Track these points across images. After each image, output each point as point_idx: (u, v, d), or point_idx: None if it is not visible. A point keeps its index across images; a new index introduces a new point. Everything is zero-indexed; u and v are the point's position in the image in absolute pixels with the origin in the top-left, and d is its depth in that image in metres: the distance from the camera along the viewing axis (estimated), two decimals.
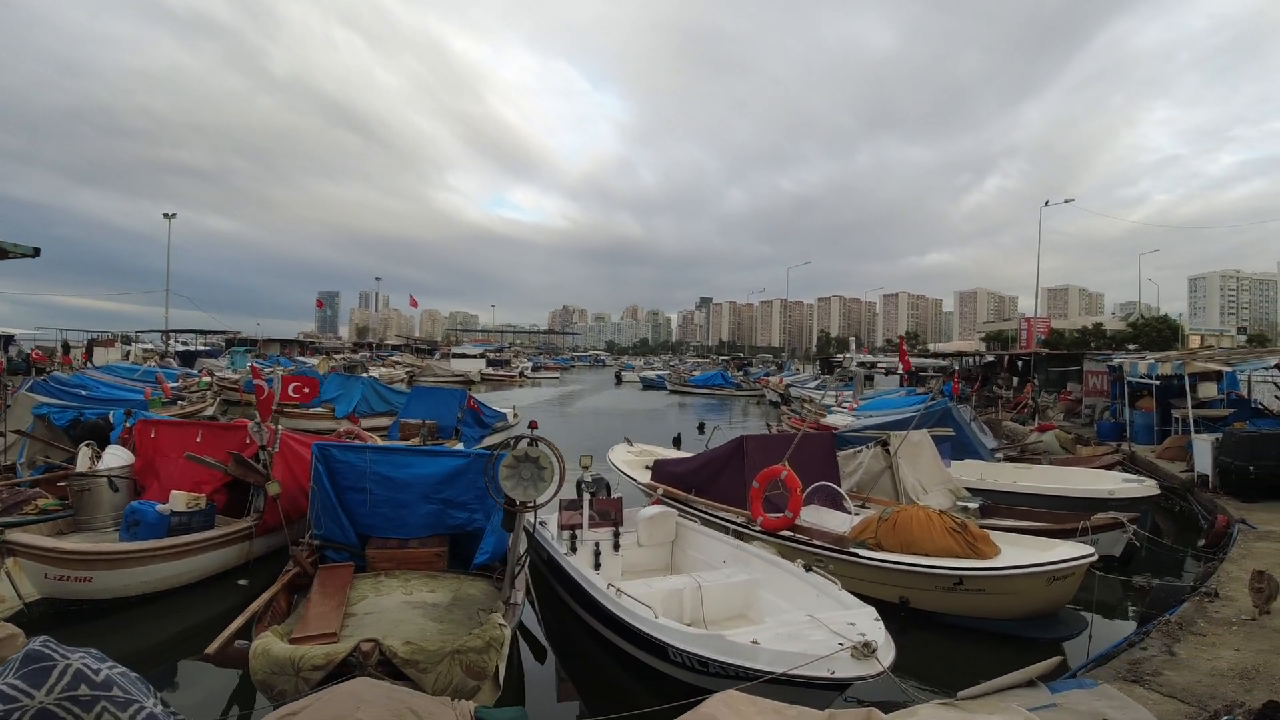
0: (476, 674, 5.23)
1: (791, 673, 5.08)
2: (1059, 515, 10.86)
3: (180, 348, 63.40)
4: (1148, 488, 12.24)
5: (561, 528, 8.41)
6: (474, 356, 75.59)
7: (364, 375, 32.85)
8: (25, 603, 8.10)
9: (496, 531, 8.11)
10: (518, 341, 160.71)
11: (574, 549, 8.28)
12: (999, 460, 16.54)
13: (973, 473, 14.43)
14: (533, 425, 6.97)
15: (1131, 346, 57.74)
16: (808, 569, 7.34)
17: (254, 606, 6.57)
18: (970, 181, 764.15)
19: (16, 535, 8.16)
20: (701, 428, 24.70)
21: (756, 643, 5.45)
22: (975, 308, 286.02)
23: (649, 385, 63.49)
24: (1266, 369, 20.28)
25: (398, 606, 6.94)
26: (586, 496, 8.46)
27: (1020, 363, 37.38)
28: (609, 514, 8.58)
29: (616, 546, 8.49)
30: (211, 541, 9.09)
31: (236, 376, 34.70)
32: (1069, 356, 33.50)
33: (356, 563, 8.22)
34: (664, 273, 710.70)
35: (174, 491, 9.56)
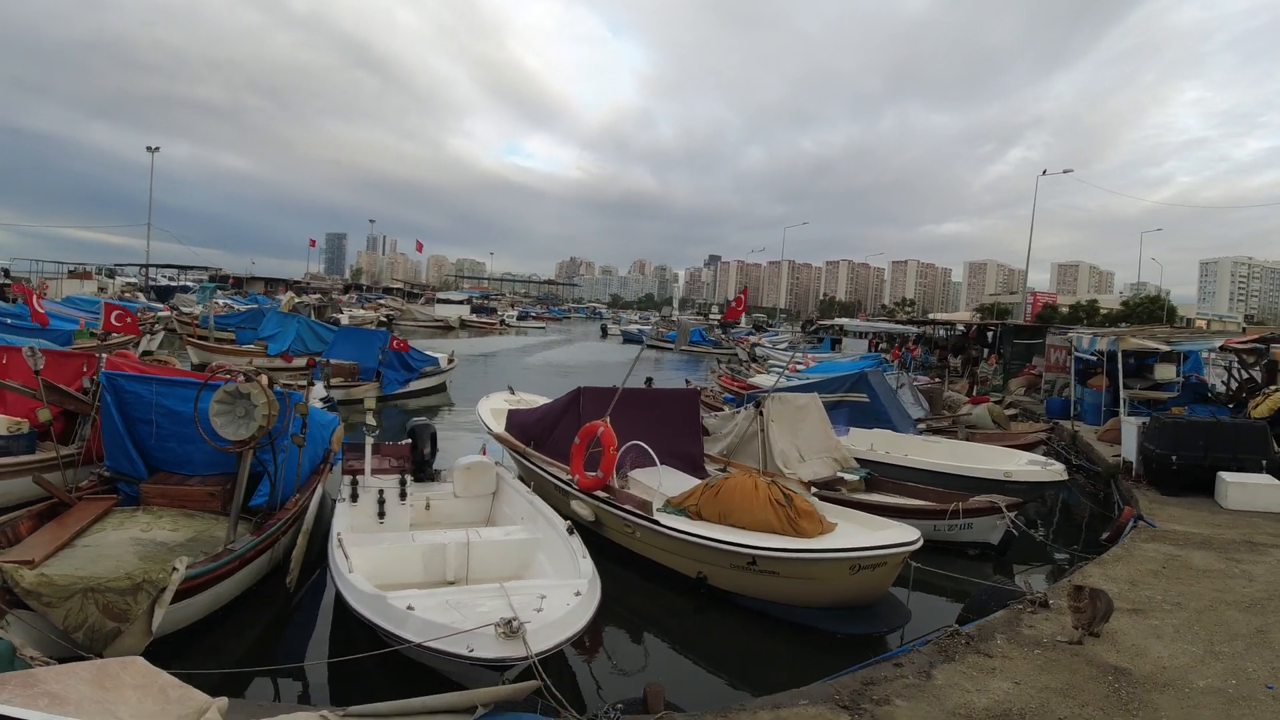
0: (116, 616, 5.02)
1: (428, 645, 4.76)
2: (943, 495, 10.51)
3: (165, 282, 63.34)
4: (1052, 472, 11.59)
5: (344, 473, 8.14)
6: (458, 303, 75.31)
7: (308, 315, 32.28)
8: None
9: (280, 473, 7.89)
10: (517, 290, 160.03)
11: (354, 496, 7.99)
12: (919, 432, 16.17)
13: (879, 442, 14.04)
14: (310, 363, 6.69)
15: (1122, 325, 56.97)
16: (570, 532, 7.09)
17: None
18: (993, 151, 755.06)
19: None
20: (649, 382, 24.40)
21: (412, 609, 5.10)
22: (984, 279, 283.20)
23: (629, 339, 63.24)
24: (1212, 350, 19.82)
25: (121, 542, 6.72)
26: (369, 440, 8.13)
27: (989, 334, 36.88)
28: (397, 460, 8.25)
29: (403, 495, 8.20)
30: (26, 465, 8.77)
31: (197, 312, 34.52)
32: (1034, 330, 32.97)
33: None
34: (676, 228, 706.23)
35: (38, 412, 9.36)
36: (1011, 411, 21.01)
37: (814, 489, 10.01)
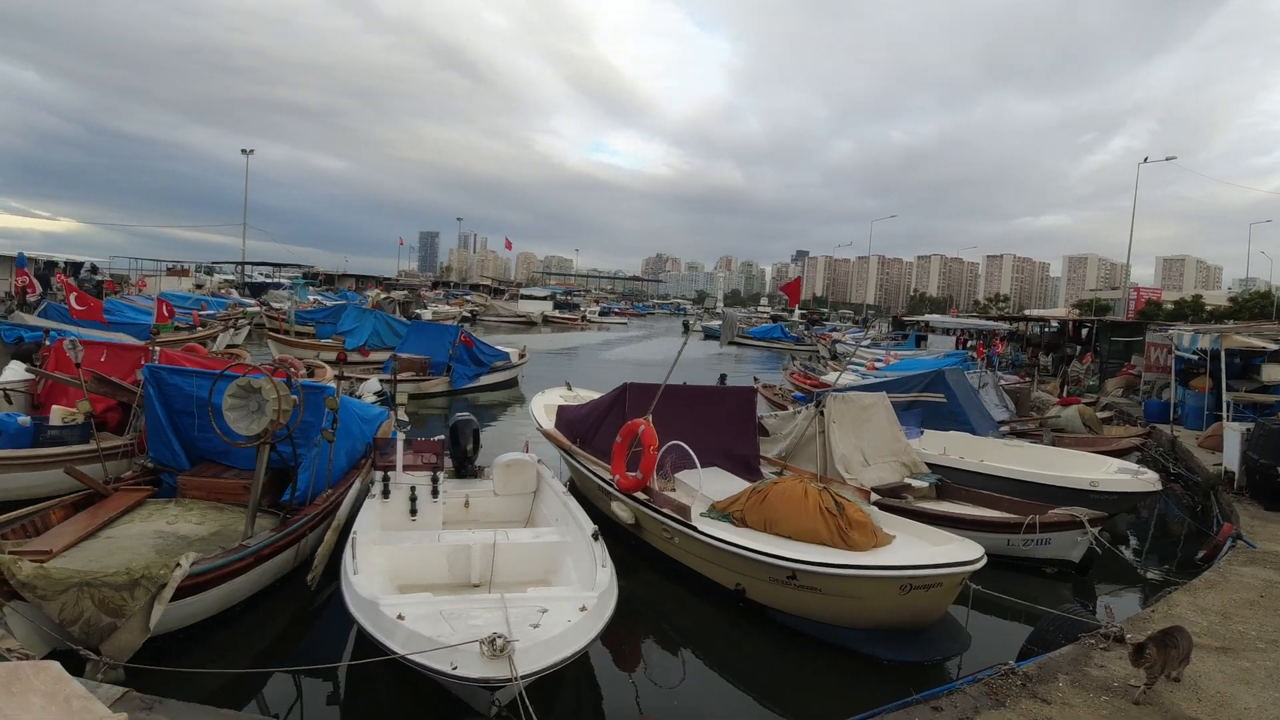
0: (112, 611, 4.93)
1: (411, 658, 4.47)
2: (1020, 505, 9.74)
3: (261, 279, 65.94)
4: (1143, 481, 10.59)
5: (375, 468, 7.99)
6: (541, 299, 76.00)
7: (385, 312, 32.82)
8: None
9: (309, 469, 7.82)
10: (602, 286, 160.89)
11: (385, 493, 7.84)
12: (1002, 434, 15.26)
13: (953, 446, 13.08)
14: (341, 357, 6.55)
15: (1228, 322, 53.51)
16: (595, 537, 6.72)
17: (10, 515, 6.49)
18: (1094, 141, 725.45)
19: None
20: (722, 379, 23.82)
21: (402, 618, 4.81)
22: (1084, 274, 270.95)
23: (709, 335, 62.78)
24: None
25: (143, 535, 6.70)
26: (400, 437, 7.96)
27: (1084, 331, 35.01)
28: (429, 457, 8.05)
29: (435, 492, 7.99)
30: (79, 455, 8.92)
31: (285, 308, 35.52)
32: (1133, 327, 31.10)
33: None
34: (762, 223, 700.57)
35: (54, 406, 9.64)
36: (1105, 414, 19.73)
37: (876, 496, 9.38)
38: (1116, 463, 11.92)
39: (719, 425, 10.49)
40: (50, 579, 4.83)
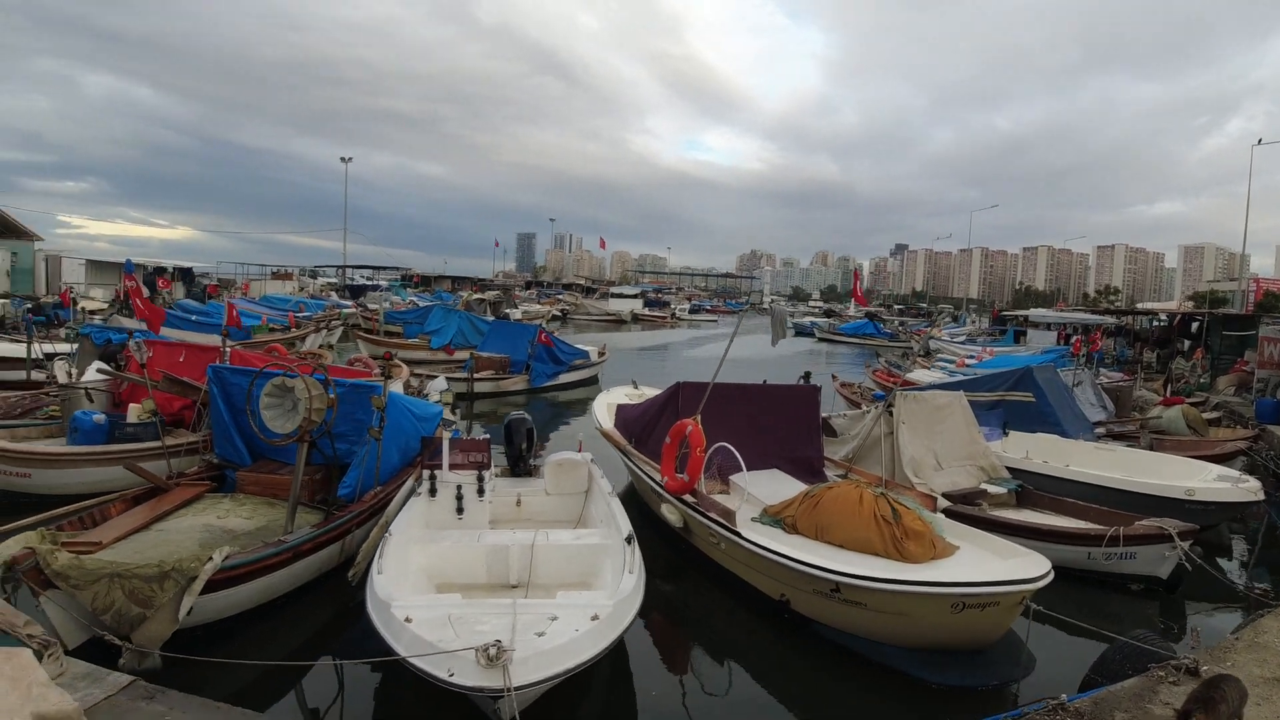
0: (141, 602, 5.10)
1: (411, 662, 4.42)
2: (1106, 515, 9.09)
3: (362, 281, 68.45)
4: (1244, 490, 9.74)
5: (421, 467, 8.06)
6: (631, 297, 76.23)
7: (465, 310, 33.49)
8: None
9: (360, 465, 7.96)
10: (696, 284, 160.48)
11: (433, 491, 7.89)
12: (1096, 437, 14.41)
13: (1038, 449, 12.34)
14: (386, 356, 6.67)
15: None
16: (629, 540, 6.55)
17: (71, 507, 6.81)
18: (1209, 124, 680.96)
19: None
20: (807, 377, 23.16)
21: (410, 620, 4.77)
22: (1200, 264, 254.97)
23: (801, 331, 61.90)
24: None
25: (191, 528, 6.93)
26: (446, 435, 8.00)
27: (1194, 325, 32.91)
28: (476, 456, 8.06)
29: (481, 491, 8.00)
30: (144, 451, 9.31)
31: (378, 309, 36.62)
32: (1247, 320, 29.05)
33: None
34: (858, 217, 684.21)
35: (131, 405, 10.12)
36: (1212, 415, 18.39)
37: (945, 503, 8.93)
38: (1217, 469, 10.99)
39: (780, 426, 10.21)
40: (83, 569, 5.03)
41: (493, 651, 4.13)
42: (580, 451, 9.38)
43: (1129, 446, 13.32)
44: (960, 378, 18.97)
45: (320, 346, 25.38)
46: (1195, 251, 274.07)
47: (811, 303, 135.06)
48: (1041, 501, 10.21)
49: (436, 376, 15.83)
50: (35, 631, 4.33)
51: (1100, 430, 15.21)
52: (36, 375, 14.16)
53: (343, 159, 63.40)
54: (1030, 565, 6.37)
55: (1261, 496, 9.96)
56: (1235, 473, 10.76)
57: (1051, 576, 6.23)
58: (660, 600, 8.02)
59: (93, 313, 24.65)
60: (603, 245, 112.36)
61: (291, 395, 6.26)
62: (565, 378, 22.77)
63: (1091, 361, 25.41)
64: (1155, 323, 38.87)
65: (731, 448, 8.15)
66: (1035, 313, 49.57)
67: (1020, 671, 6.31)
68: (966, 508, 9.33)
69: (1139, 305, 66.53)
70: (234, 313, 15.54)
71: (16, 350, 15.40)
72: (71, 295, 29.94)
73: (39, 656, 4.20)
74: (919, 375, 22.65)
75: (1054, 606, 6.41)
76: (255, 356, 10.88)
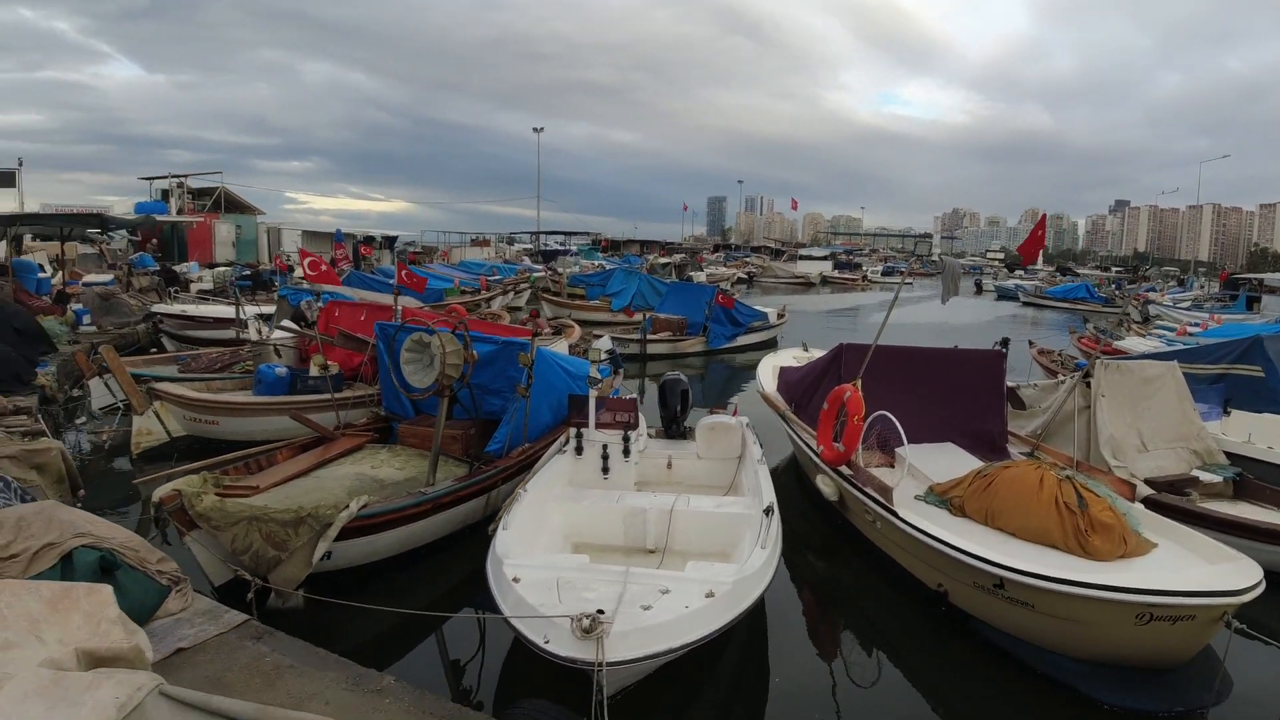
0: (277, 545, 5.31)
1: (511, 622, 4.32)
2: None
3: (556, 246, 71.03)
4: None
5: (569, 424, 7.98)
6: (821, 259, 74.29)
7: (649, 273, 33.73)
8: (171, 436, 9.85)
9: (509, 422, 8.01)
10: (892, 245, 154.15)
11: (579, 449, 7.80)
12: None
13: (1263, 432, 10.41)
14: (533, 314, 6.63)
15: None
16: (768, 512, 6.13)
17: (241, 453, 7.28)
18: None
19: (162, 385, 9.87)
20: (1004, 343, 21.29)
21: (518, 580, 4.65)
22: None
23: (1004, 295, 58.03)
24: None
25: (344, 476, 7.18)
26: (593, 394, 7.83)
27: None
28: (623, 415, 7.87)
29: (626, 452, 7.81)
30: (322, 403, 9.72)
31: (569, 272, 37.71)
32: None
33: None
34: (1073, 171, 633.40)
35: (314, 357, 10.77)
36: None
37: (1147, 491, 7.86)
38: None
39: (957, 395, 9.28)
40: (224, 512, 5.31)
41: (587, 623, 3.88)
42: (735, 415, 9.02)
43: None
44: (1179, 346, 16.84)
45: (508, 308, 26.42)
46: None
47: (990, 254, 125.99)
48: (1264, 494, 8.70)
49: (602, 336, 15.91)
50: (167, 568, 4.58)
51: None
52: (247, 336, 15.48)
53: (535, 129, 66.33)
54: (1240, 573, 5.30)
55: None
56: None
57: (1263, 588, 5.14)
58: (811, 578, 7.64)
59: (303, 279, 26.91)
60: (794, 206, 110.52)
61: (429, 351, 6.34)
62: (744, 340, 22.40)
63: None
64: None
65: (892, 416, 7.47)
66: (1273, 276, 43.40)
67: (1211, 698, 5.21)
68: (1172, 497, 8.05)
69: None
70: (403, 272, 16.21)
71: (230, 312, 16.88)
72: (288, 262, 32.77)
73: (165, 592, 4.44)
74: (1131, 343, 20.36)
75: (1269, 621, 5.40)
76: (427, 315, 11.26)
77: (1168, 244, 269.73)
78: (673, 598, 4.54)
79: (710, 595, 4.58)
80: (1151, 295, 45.30)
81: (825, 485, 8.00)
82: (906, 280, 73.94)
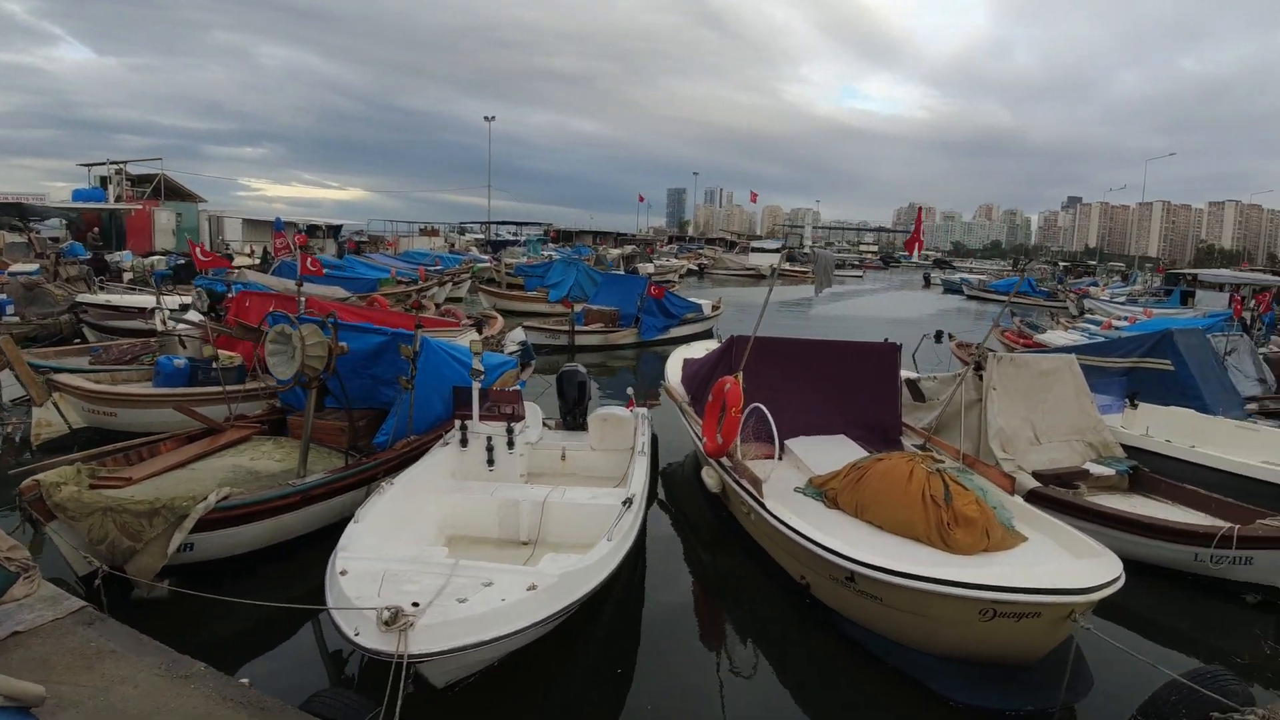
0: (132, 535, 5.38)
1: (331, 614, 4.36)
2: (1231, 508, 7.85)
3: (508, 237, 70.71)
4: None
5: (454, 417, 8.06)
6: (772, 251, 74.81)
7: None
8: (72, 428, 9.80)
9: (397, 414, 8.11)
10: (848, 239, 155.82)
11: (464, 442, 7.86)
12: (1246, 414, 12.65)
13: (1161, 425, 10.62)
14: (414, 304, 6.73)
15: None
16: (625, 504, 6.25)
17: (121, 445, 7.31)
18: None
19: (61, 376, 9.81)
20: (939, 337, 21.40)
21: (345, 573, 4.70)
22: None
23: (950, 289, 59.51)
24: None
25: (220, 469, 7.27)
26: (476, 386, 7.91)
27: None
28: (508, 407, 7.96)
29: (511, 444, 7.91)
30: (226, 394, 9.48)
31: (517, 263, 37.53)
32: None
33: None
34: (1033, 167, 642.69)
35: (203, 348, 10.78)
36: None
37: (1033, 484, 8.16)
38: None
39: (852, 387, 9.45)
40: (80, 502, 5.38)
41: (388, 615, 3.97)
42: (632, 407, 9.18)
43: (1276, 427, 11.60)
44: (1100, 339, 17.35)
45: (448, 300, 26.38)
46: None
47: (863, 246, 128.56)
48: (1158, 487, 8.93)
49: (515, 328, 16.00)
50: (17, 555, 4.64)
51: (1251, 406, 13.40)
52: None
53: (486, 118, 66.46)
54: (1099, 570, 5.26)
55: None
56: None
57: (1119, 585, 5.10)
58: (695, 569, 7.78)
59: (241, 268, 26.44)
60: (754, 199, 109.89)
61: (290, 343, 6.43)
62: (677, 331, 22.39)
63: (1258, 326, 22.55)
64: None
65: (764, 409, 7.67)
66: (1206, 272, 44.68)
67: (1069, 696, 5.20)
68: (1060, 490, 8.28)
69: None
70: (307, 262, 16.20)
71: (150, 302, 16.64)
72: (224, 253, 32.28)
73: (13, 579, 4.52)
74: (1053, 337, 20.95)
75: (1151, 614, 5.60)
76: (331, 305, 11.32)
77: (1118, 240, 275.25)
78: (493, 590, 4.57)
79: (532, 588, 4.61)
80: (1092, 290, 46.46)
81: (709, 477, 8.18)
82: (856, 274, 74.99)
